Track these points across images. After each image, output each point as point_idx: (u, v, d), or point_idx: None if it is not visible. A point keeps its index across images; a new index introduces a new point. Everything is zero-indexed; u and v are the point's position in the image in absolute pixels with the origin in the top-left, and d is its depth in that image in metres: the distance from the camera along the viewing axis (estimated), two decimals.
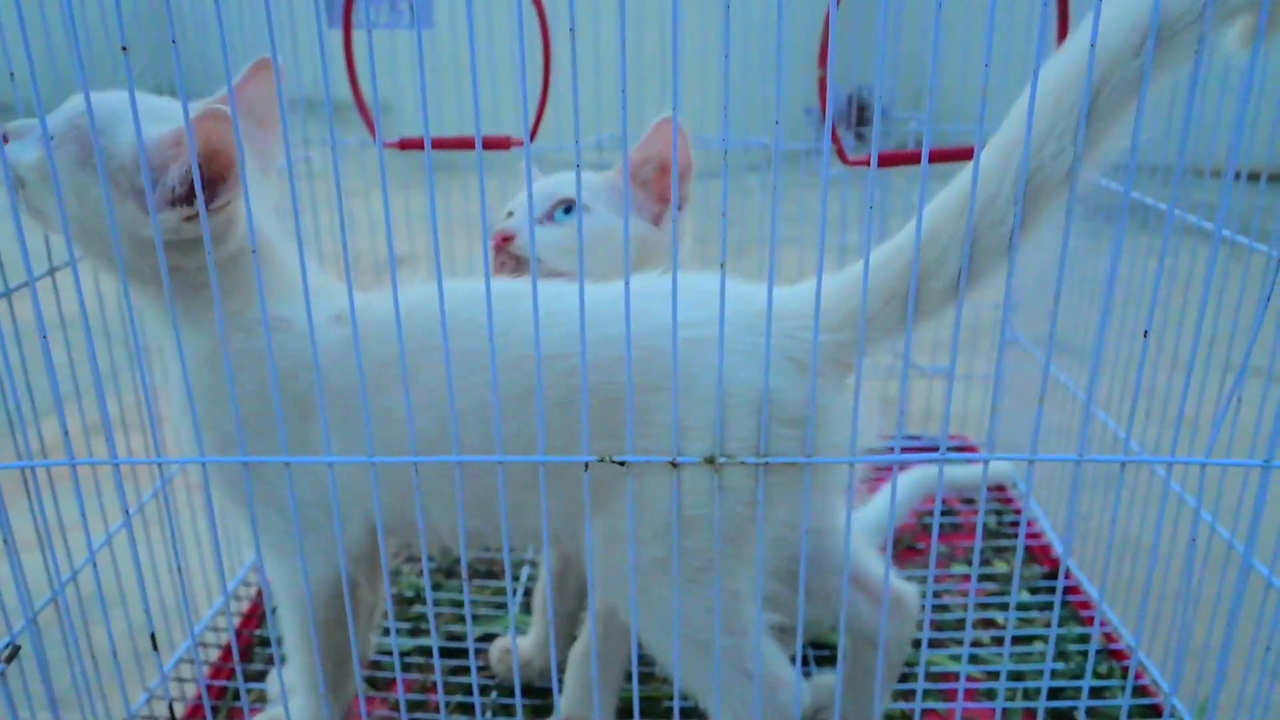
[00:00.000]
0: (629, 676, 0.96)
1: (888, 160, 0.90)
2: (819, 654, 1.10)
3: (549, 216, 0.91)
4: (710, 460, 0.68)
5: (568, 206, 0.91)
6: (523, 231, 0.88)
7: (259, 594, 1.23)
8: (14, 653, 0.75)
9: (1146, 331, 0.63)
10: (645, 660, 1.06)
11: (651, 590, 0.74)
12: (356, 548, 0.84)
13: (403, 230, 1.37)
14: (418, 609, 1.20)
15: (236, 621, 1.18)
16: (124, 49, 0.62)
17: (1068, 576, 1.25)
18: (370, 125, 1.16)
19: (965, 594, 1.23)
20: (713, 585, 0.72)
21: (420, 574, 1.28)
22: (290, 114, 1.35)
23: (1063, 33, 0.89)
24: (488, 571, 1.29)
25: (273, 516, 0.80)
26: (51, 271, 0.84)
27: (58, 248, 0.83)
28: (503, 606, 1.21)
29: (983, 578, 1.25)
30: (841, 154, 0.85)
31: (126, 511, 0.71)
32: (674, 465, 0.67)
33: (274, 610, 0.85)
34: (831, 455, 0.71)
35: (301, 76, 1.31)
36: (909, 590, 0.91)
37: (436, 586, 1.24)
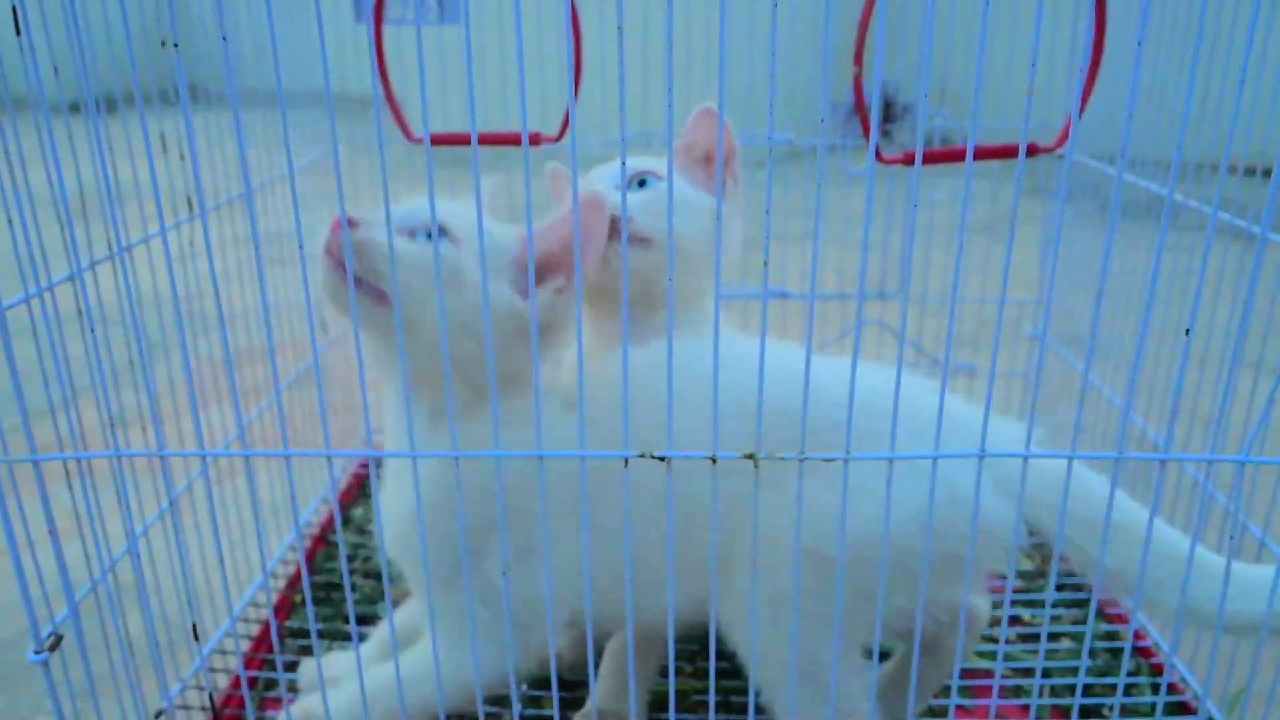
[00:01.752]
0: (663, 671, 0.97)
1: (931, 158, 0.90)
2: None
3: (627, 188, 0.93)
4: (750, 456, 0.68)
5: (641, 180, 0.93)
6: (609, 194, 0.89)
7: (288, 585, 1.24)
8: (57, 641, 0.76)
9: (1189, 330, 0.64)
10: (679, 655, 1.07)
11: (771, 640, 0.77)
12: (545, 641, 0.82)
13: None
14: None
15: (267, 613, 1.19)
16: (175, 45, 0.62)
17: None
18: (401, 122, 1.16)
19: (990, 590, 1.23)
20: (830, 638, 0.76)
21: None
22: (317, 110, 1.35)
23: (1100, 31, 0.89)
24: None
25: (480, 608, 0.81)
26: (93, 265, 0.85)
27: (98, 241, 0.84)
28: None
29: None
30: (877, 152, 0.85)
31: (172, 502, 0.72)
32: (713, 461, 0.68)
33: (320, 596, 0.86)
34: None
35: (333, 72, 1.32)
36: (983, 606, 0.92)
37: None
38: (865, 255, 0.66)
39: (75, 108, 0.82)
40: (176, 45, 0.62)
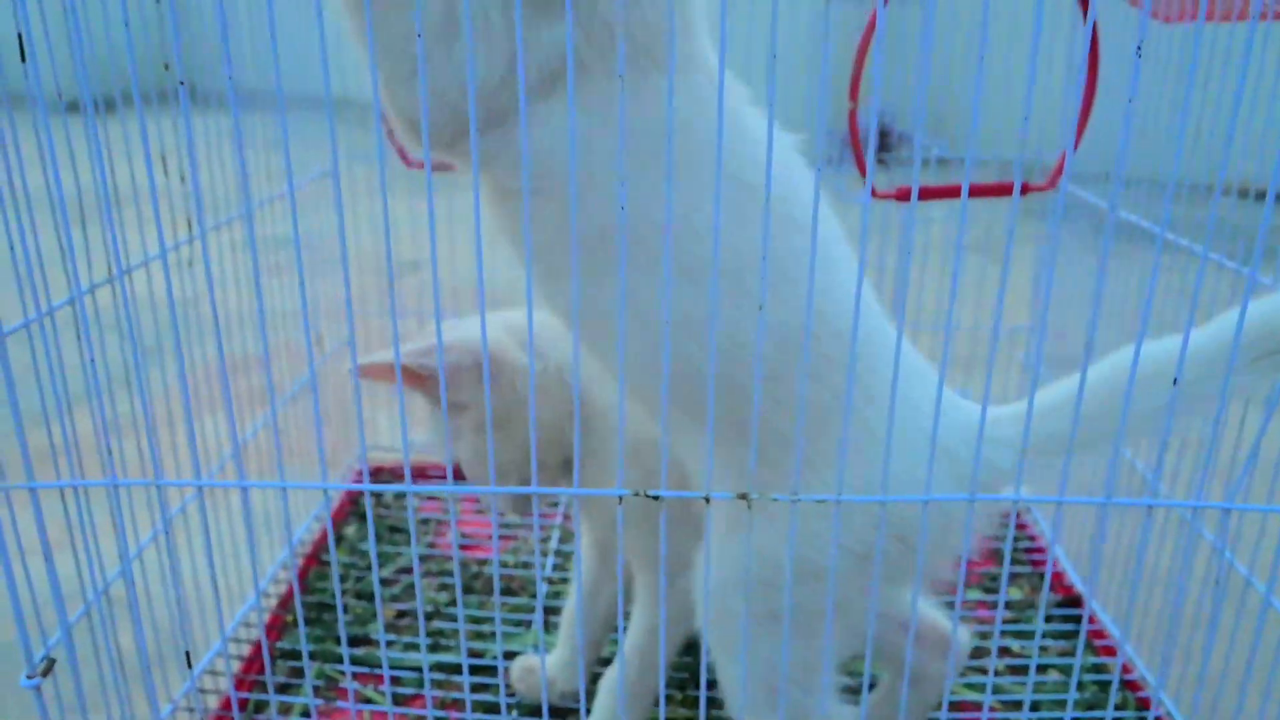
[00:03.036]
0: (655, 700, 0.97)
1: (926, 195, 0.90)
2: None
3: None
4: (743, 496, 0.69)
5: None
6: None
7: (279, 604, 1.24)
8: (49, 666, 0.76)
9: (1176, 380, 0.64)
10: (669, 684, 1.07)
11: (753, 640, 0.75)
12: None
13: (408, 236, 1.36)
14: (436, 624, 1.21)
15: (258, 634, 1.19)
16: (179, 39, 0.62)
17: (1081, 605, 1.25)
18: (398, 146, 1.16)
19: (980, 621, 1.24)
20: (810, 642, 0.76)
21: (439, 589, 1.29)
22: (315, 114, 1.36)
23: (1093, 61, 0.89)
24: (506, 589, 1.30)
25: None
26: (93, 289, 0.85)
27: (96, 251, 0.85)
28: (521, 624, 1.22)
29: (997, 605, 1.26)
30: (872, 188, 0.86)
31: (168, 530, 0.72)
32: (706, 501, 0.68)
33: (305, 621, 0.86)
34: None
35: (333, 77, 1.32)
36: (964, 634, 0.93)
37: (451, 603, 1.25)
38: (860, 282, 0.66)
39: (73, 107, 0.81)
40: (180, 38, 0.61)
